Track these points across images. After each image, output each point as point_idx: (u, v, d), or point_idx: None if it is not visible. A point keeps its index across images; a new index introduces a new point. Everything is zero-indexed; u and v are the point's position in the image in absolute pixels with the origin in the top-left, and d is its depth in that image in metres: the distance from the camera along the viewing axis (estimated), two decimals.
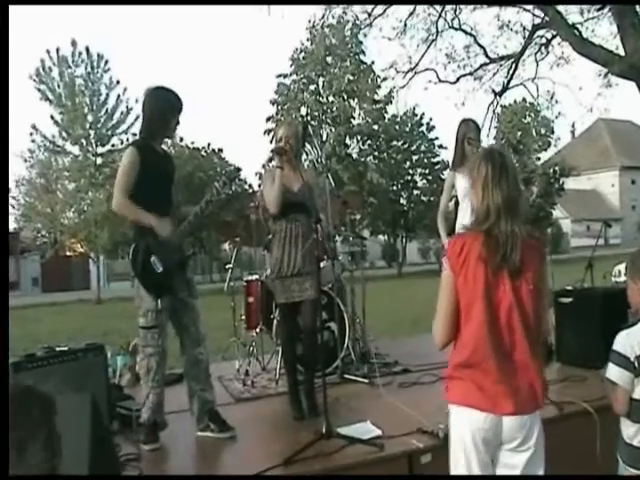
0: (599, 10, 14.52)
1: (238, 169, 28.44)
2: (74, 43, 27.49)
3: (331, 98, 33.16)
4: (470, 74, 17.30)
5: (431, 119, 37.46)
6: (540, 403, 2.57)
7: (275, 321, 5.86)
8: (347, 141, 33.28)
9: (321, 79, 33.36)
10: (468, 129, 5.60)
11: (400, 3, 16.13)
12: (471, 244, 2.53)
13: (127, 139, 28.31)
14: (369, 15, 16.57)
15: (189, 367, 4.34)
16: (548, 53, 16.28)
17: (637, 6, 12.09)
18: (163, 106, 4.27)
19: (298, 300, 4.76)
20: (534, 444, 2.54)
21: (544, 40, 15.95)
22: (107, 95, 28.09)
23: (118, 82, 28.25)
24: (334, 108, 32.80)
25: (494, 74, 17.09)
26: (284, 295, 4.76)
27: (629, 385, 2.96)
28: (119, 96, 28.17)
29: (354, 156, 33.62)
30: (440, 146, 37.09)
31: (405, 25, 16.61)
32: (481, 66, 17.12)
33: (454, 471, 2.61)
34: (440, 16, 16.27)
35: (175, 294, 4.24)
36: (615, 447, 3.13)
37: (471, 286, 2.52)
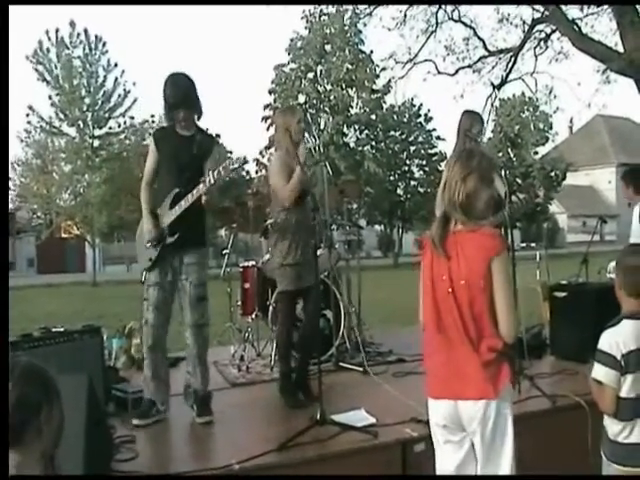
0: (599, 6, 14.51)
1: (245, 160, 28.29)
2: (72, 24, 27.32)
3: (329, 87, 33.00)
4: (469, 66, 17.27)
5: (429, 110, 37.41)
6: (486, 394, 2.62)
7: (271, 308, 5.86)
8: (345, 130, 33.20)
9: (319, 67, 33.22)
10: (471, 122, 5.60)
11: (396, 3, 16.20)
12: (428, 243, 2.78)
13: (124, 122, 28.42)
14: (369, 4, 16.54)
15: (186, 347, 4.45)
16: (547, 48, 16.27)
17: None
18: (167, 96, 4.39)
19: (306, 286, 4.73)
20: (489, 432, 2.65)
21: (543, 35, 15.94)
22: (105, 77, 27.85)
23: (116, 64, 28.04)
24: (332, 97, 32.67)
25: (493, 67, 17.07)
26: (295, 282, 4.70)
27: (616, 384, 2.92)
28: (117, 79, 27.97)
29: (351, 145, 33.55)
30: (438, 138, 37.09)
31: (405, 15, 16.59)
32: (480, 59, 17.09)
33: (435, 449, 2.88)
34: (440, 7, 16.24)
35: (173, 275, 4.38)
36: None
37: (423, 281, 2.78)
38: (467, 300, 2.63)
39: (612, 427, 3.01)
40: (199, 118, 4.58)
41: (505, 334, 2.63)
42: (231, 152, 28.63)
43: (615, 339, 2.94)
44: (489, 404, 2.62)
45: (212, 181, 4.16)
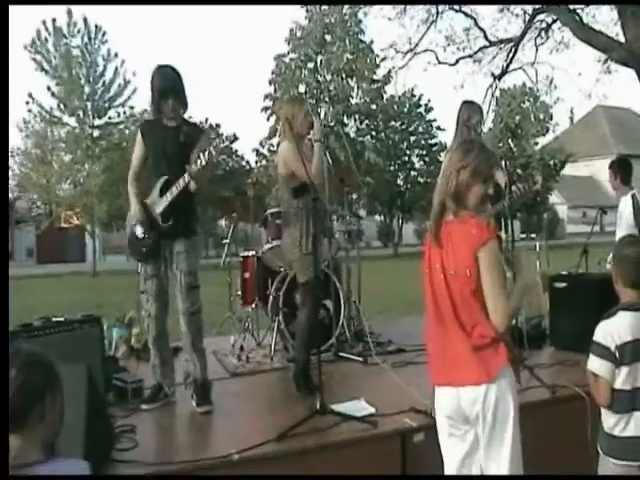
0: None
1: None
2: (70, 13, 27.28)
3: (329, 77, 32.92)
4: (469, 57, 17.26)
5: (429, 100, 37.42)
6: (482, 378, 2.64)
7: (271, 297, 5.87)
8: (345, 120, 33.12)
9: (319, 57, 33.11)
10: (469, 112, 5.58)
11: (394, 3, 16.16)
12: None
13: (124, 112, 28.50)
14: (367, 4, 16.53)
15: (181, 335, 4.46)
16: (548, 38, 16.26)
17: None
18: (156, 86, 4.43)
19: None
20: (489, 417, 2.65)
21: (544, 25, 15.94)
22: (104, 67, 27.94)
23: (116, 54, 28.14)
24: (332, 87, 32.59)
25: (493, 57, 17.08)
26: (317, 270, 4.53)
27: (610, 376, 2.92)
28: (117, 68, 28.07)
29: (352, 135, 33.47)
30: (438, 128, 37.12)
31: (405, 5, 16.53)
32: (481, 49, 17.08)
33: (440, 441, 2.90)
34: None
35: (165, 264, 4.42)
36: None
37: (423, 269, 2.84)
38: (458, 289, 2.67)
39: (607, 420, 3.01)
40: (185, 111, 4.59)
41: (496, 323, 2.62)
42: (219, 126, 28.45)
43: (610, 330, 2.95)
44: (489, 388, 2.63)
45: (203, 162, 4.15)
